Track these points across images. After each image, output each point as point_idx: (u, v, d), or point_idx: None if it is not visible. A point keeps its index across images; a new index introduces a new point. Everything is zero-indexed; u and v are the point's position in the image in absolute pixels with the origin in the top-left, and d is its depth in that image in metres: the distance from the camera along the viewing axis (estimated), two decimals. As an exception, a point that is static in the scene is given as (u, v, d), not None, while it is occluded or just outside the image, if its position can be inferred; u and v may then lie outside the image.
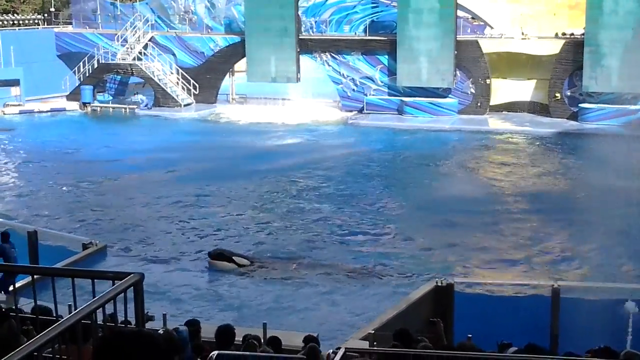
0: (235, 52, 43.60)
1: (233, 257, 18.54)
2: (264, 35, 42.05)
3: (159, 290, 16.85)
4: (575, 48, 37.86)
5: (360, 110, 41.26)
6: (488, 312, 13.09)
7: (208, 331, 10.09)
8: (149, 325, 8.71)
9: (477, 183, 27.20)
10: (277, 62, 42.19)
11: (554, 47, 38.70)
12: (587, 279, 17.01)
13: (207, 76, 44.24)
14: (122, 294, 5.05)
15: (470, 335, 10.54)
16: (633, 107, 36.80)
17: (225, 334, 8.97)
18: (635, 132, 33.49)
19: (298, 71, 42.24)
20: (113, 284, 4.99)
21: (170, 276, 18.11)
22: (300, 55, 42.60)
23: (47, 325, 4.34)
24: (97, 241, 18.65)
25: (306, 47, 42.41)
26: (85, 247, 17.99)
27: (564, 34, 39.44)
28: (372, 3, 42.39)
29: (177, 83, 44.12)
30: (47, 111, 43.09)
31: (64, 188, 27.09)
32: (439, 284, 13.39)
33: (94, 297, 5.03)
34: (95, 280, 5.54)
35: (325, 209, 24.07)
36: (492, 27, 41.40)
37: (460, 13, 40.07)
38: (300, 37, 42.30)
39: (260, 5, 41.83)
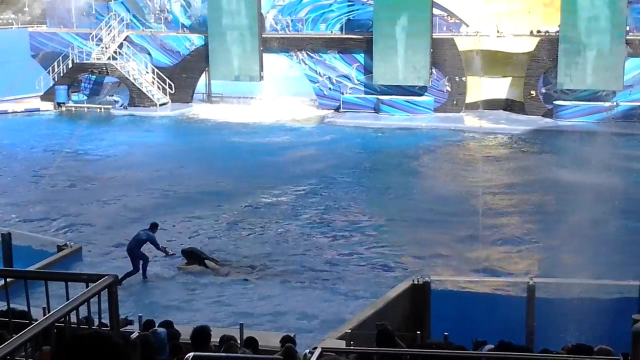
0: (211, 51, 43.49)
1: (205, 260, 18.47)
2: (226, 34, 42.13)
3: (133, 291, 16.77)
4: (550, 45, 38.13)
5: (337, 109, 41.31)
6: (464, 310, 13.14)
7: (183, 332, 10.06)
8: (126, 328, 8.69)
9: (453, 181, 27.28)
10: (240, 60, 42.30)
11: (529, 45, 38.95)
12: (562, 276, 17.11)
13: (183, 75, 44.11)
14: (96, 296, 5.02)
15: (446, 334, 10.57)
16: (607, 103, 37.13)
17: (201, 335, 8.95)
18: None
19: (261, 70, 42.34)
20: (87, 287, 4.97)
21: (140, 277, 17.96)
22: (277, 54, 42.69)
23: (21, 328, 4.31)
24: (72, 243, 18.50)
25: (270, 45, 42.46)
26: (60, 248, 17.84)
27: (538, 31, 39.69)
28: (348, 1, 42.45)
29: (153, 82, 43.93)
30: (21, 111, 42.75)
31: (38, 189, 26.88)
32: (416, 282, 13.42)
33: (67, 299, 5.00)
34: (69, 282, 5.50)
35: (297, 208, 24.00)
36: (467, 25, 41.58)
37: (436, 11, 40.21)
38: (263, 35, 42.36)
39: (222, 4, 41.86)
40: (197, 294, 17.03)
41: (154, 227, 18.39)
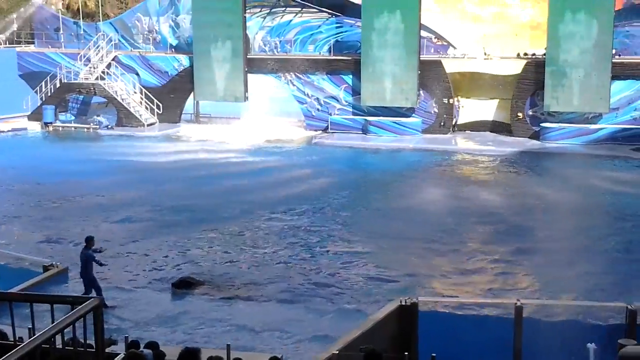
0: (200, 71, 43.53)
1: (196, 289, 18.40)
2: (211, 54, 42.27)
3: (118, 313, 16.62)
4: (536, 68, 38.38)
5: (325, 130, 41.44)
6: (452, 331, 13.12)
7: (171, 354, 9.99)
8: (111, 349, 8.61)
9: (440, 202, 27.30)
10: (225, 81, 42.43)
11: (516, 67, 39.21)
12: (549, 297, 17.12)
13: (171, 96, 44.15)
14: (82, 319, 4.99)
15: (434, 355, 10.54)
16: (593, 126, 37.36)
17: (188, 356, 8.88)
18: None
19: (246, 90, 42.48)
20: (72, 309, 4.94)
21: (129, 298, 17.80)
22: (264, 75, 42.84)
23: (6, 350, 4.27)
24: (58, 263, 18.38)
25: (256, 66, 42.60)
26: (46, 268, 17.73)
27: (525, 54, 39.99)
28: (337, 23, 42.68)
29: (141, 103, 43.95)
30: (7, 131, 42.63)
31: (23, 208, 26.74)
32: (403, 303, 13.38)
33: (52, 322, 4.96)
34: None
35: (285, 229, 23.91)
36: (455, 47, 41.86)
37: (423, 33, 40.44)
38: (248, 56, 42.49)
39: (207, 24, 42.04)
40: (185, 315, 16.90)
41: (89, 241, 17.49)
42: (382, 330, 12.86)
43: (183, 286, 18.42)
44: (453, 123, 39.81)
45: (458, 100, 40.00)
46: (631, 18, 38.86)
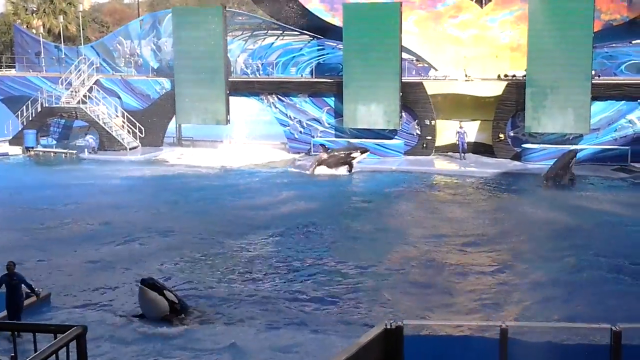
0: (182, 95, 43.52)
1: (164, 291, 17.81)
2: (193, 78, 42.26)
3: (102, 342, 16.38)
4: (517, 89, 38.64)
5: (308, 152, 41.49)
6: (438, 354, 13.06)
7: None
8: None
9: (422, 224, 27.32)
10: (207, 104, 42.42)
11: (497, 89, 39.45)
12: (534, 319, 17.11)
13: (153, 119, 44.09)
14: (65, 347, 4.92)
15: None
16: (574, 146, 37.58)
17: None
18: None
19: (228, 113, 42.49)
20: (55, 337, 4.87)
21: (112, 325, 17.52)
22: (246, 98, 42.92)
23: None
24: (40, 289, 18.20)
25: (238, 89, 42.64)
26: (27, 295, 17.53)
27: (506, 75, 40.27)
28: (318, 46, 42.85)
29: (123, 126, 43.85)
30: (-11, 156, 42.44)
31: (4, 234, 26.53)
32: (388, 327, 13.30)
33: (35, 350, 4.88)
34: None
35: (266, 253, 23.75)
36: (436, 69, 42.12)
37: (404, 55, 40.65)
38: (229, 79, 42.54)
39: (189, 47, 42.04)
40: (168, 341, 16.74)
41: (8, 267, 16.39)
42: (367, 354, 12.77)
43: (151, 288, 17.71)
44: (462, 153, 39.52)
45: (461, 127, 39.71)
46: (610, 39, 39.27)
